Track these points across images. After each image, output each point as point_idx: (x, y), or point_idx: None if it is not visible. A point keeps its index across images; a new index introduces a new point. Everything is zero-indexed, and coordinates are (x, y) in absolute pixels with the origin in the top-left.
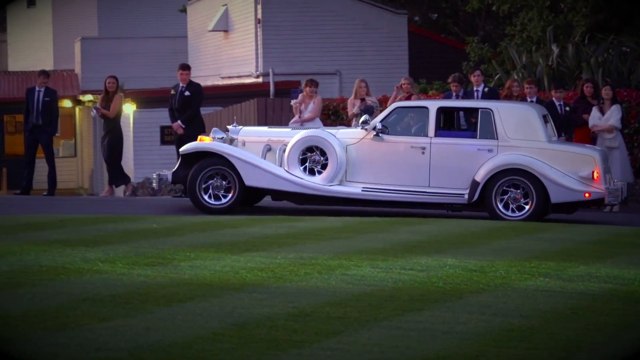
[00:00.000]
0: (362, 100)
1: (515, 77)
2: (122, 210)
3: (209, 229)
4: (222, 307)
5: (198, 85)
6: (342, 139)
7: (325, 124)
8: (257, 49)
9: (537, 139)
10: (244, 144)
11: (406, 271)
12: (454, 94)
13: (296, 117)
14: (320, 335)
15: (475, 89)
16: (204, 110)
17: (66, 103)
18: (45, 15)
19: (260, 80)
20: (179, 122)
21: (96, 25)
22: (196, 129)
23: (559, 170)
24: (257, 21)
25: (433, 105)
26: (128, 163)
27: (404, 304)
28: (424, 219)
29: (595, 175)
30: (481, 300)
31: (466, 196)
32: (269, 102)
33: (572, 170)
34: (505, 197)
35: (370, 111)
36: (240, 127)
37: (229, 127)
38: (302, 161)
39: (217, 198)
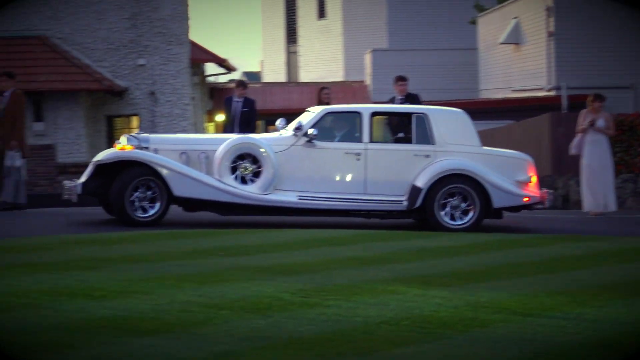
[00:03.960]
0: None
1: None
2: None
3: (505, 247)
4: (522, 333)
5: (416, 96)
6: (270, 145)
7: (617, 140)
8: (548, 62)
9: (472, 144)
10: (156, 151)
11: None
12: None
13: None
14: None
15: None
16: (495, 124)
17: None
18: (335, 26)
19: (552, 93)
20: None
21: (386, 37)
22: None
23: (498, 175)
24: (549, 34)
25: (366, 111)
26: None
27: None
28: None
29: (534, 179)
30: None
31: (405, 203)
32: (562, 116)
33: (509, 174)
34: (447, 204)
35: None
36: (147, 134)
37: (134, 135)
38: (232, 169)
39: (142, 210)
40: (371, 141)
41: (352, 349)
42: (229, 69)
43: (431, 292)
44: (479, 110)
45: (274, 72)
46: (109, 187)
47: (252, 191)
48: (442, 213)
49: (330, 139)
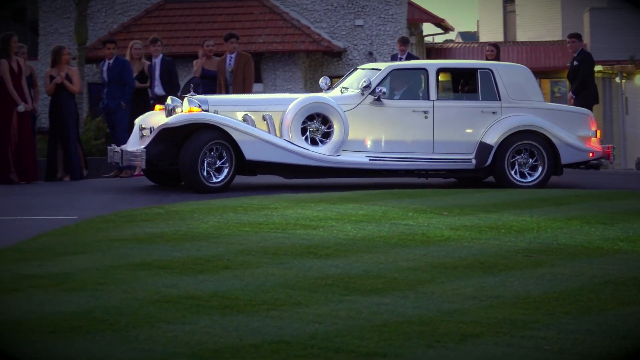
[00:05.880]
0: None
1: None
2: None
3: None
4: None
5: (587, 54)
6: (339, 105)
7: None
8: None
9: (537, 99)
10: (216, 113)
11: None
12: None
13: None
14: None
15: None
16: None
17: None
18: None
19: None
20: (570, 93)
21: None
22: (587, 98)
23: (564, 131)
24: None
25: (432, 67)
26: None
27: None
28: None
29: (598, 134)
30: None
31: (474, 161)
32: None
33: (572, 130)
34: (515, 161)
35: None
36: (204, 96)
37: (188, 96)
38: (302, 131)
39: (214, 174)
40: (438, 98)
41: (579, 307)
42: (446, 28)
43: None
44: None
45: (491, 32)
46: (168, 153)
47: (324, 152)
48: (512, 170)
49: (397, 96)
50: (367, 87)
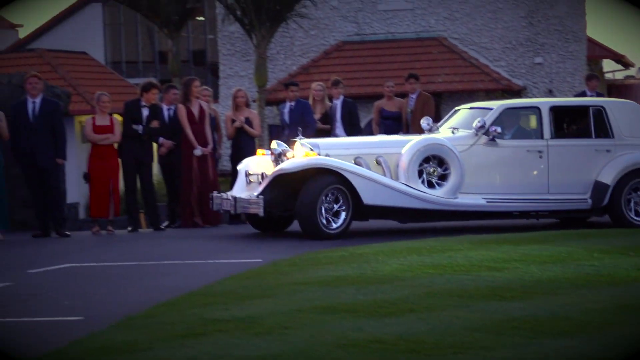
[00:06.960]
0: None
1: None
2: None
3: None
4: None
5: None
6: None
7: None
8: None
9: None
10: (327, 157)
11: None
12: None
13: None
14: None
15: None
16: None
17: None
18: None
19: None
20: None
21: None
22: None
23: None
24: None
25: (545, 105)
26: None
27: None
28: None
29: None
30: None
31: (589, 201)
32: None
33: None
34: (630, 200)
35: None
36: (315, 139)
37: (299, 140)
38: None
39: (329, 221)
40: (552, 137)
41: None
42: (627, 64)
43: None
44: None
45: None
46: (279, 199)
47: (442, 195)
48: (629, 209)
49: (507, 136)
50: (482, 127)
